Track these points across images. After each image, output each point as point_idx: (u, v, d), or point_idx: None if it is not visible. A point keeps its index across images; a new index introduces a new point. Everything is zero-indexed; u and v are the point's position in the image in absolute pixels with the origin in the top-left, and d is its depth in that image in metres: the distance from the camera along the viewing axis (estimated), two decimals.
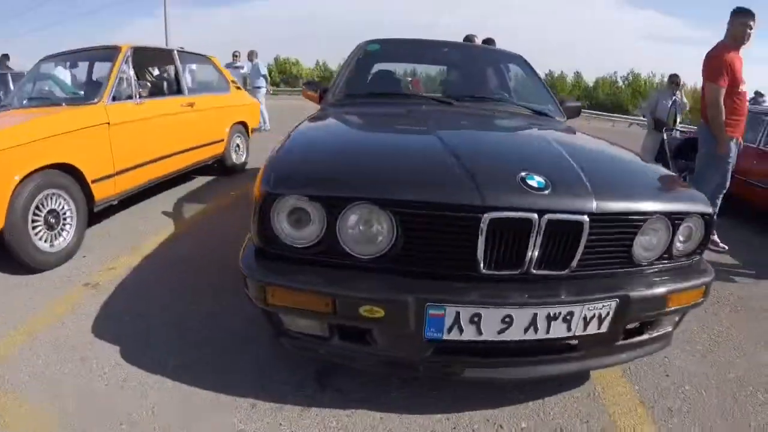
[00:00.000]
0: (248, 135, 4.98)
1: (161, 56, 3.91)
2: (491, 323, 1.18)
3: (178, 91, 3.72)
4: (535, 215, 1.17)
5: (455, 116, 2.14)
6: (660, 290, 1.35)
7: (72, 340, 1.83)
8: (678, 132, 5.43)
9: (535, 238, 1.19)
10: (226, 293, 2.22)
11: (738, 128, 3.03)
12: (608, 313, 1.27)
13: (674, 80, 5.67)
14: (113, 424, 1.39)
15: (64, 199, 2.56)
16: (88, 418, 1.41)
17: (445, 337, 1.19)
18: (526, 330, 1.20)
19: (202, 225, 3.30)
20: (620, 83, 30.04)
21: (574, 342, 1.35)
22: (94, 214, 2.88)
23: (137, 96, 3.13)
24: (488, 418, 1.48)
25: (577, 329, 1.25)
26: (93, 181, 2.74)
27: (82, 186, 2.67)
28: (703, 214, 1.42)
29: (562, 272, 1.25)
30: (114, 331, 1.91)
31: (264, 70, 8.14)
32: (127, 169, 3.04)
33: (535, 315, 1.19)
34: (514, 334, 1.20)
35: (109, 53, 3.15)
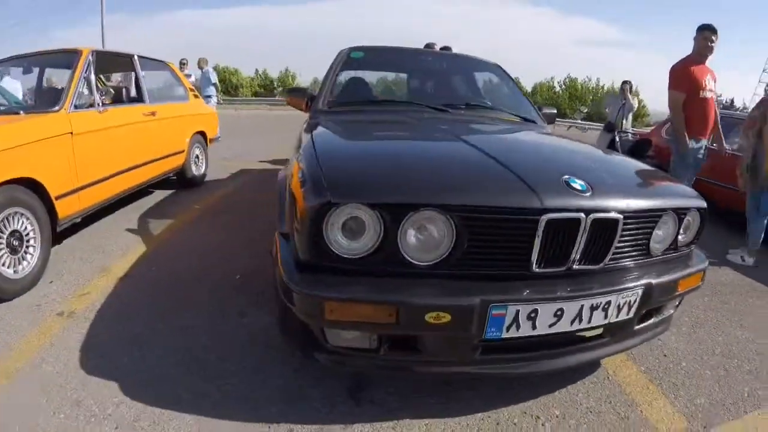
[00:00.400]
0: (207, 145, 4.84)
1: (121, 62, 3.73)
2: (545, 318, 1.28)
3: (140, 99, 3.57)
4: (583, 215, 1.29)
5: (463, 124, 2.24)
6: (673, 277, 1.52)
7: (59, 380, 1.66)
8: (630, 134, 5.92)
9: (581, 237, 1.30)
10: (214, 311, 2.18)
11: (702, 130, 3.47)
12: (636, 300, 1.41)
13: (624, 86, 6.20)
14: None
15: (27, 219, 2.37)
16: None
17: (504, 335, 1.26)
18: (572, 321, 1.32)
19: (172, 241, 3.18)
20: (557, 88, 31.76)
21: (599, 330, 1.47)
22: (56, 234, 2.70)
23: (100, 104, 2.97)
24: (524, 410, 1.58)
25: (612, 317, 1.38)
26: (57, 198, 2.56)
27: (45, 203, 2.49)
28: (699, 209, 1.62)
29: (597, 266, 1.38)
30: (104, 364, 1.76)
31: (214, 78, 7.92)
32: (92, 183, 2.88)
33: (582, 306, 1.31)
34: (563, 326, 1.31)
35: (68, 57, 2.98)
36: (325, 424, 1.47)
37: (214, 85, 7.80)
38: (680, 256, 1.65)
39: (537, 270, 1.30)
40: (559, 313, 1.28)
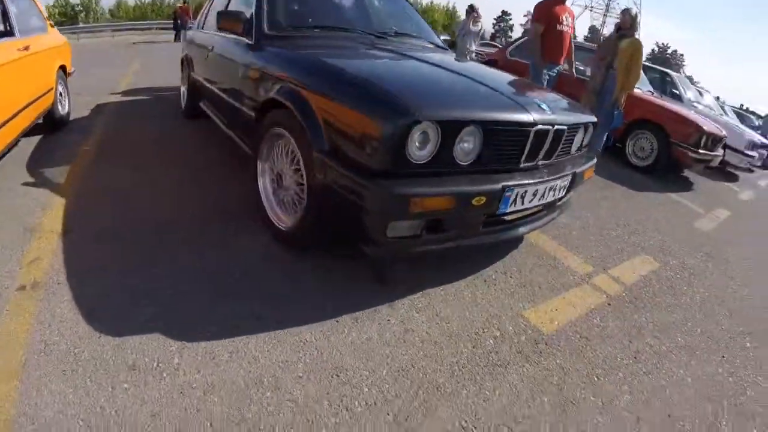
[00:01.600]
0: (66, 80, 4.46)
1: None
2: (529, 197, 1.99)
3: (10, 32, 3.18)
4: (551, 127, 2.00)
5: (417, 51, 2.79)
6: (584, 167, 2.38)
7: (87, 354, 1.58)
8: (473, 54, 7.02)
9: (547, 141, 2.02)
10: (199, 243, 2.34)
11: (556, 57, 4.68)
12: (567, 184, 2.21)
13: (468, 10, 7.15)
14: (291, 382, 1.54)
15: None
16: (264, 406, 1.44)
17: (508, 210, 1.94)
18: (540, 198, 2.06)
19: (87, 188, 3.07)
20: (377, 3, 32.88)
21: (540, 207, 2.22)
22: None
23: None
24: (495, 270, 2.39)
25: (556, 195, 2.17)
26: None
27: None
28: (593, 123, 2.45)
29: (549, 161, 2.13)
30: (126, 321, 1.74)
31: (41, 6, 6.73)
32: None
33: (546, 188, 2.05)
34: (534, 202, 2.05)
35: None
36: (377, 305, 1.96)
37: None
38: (582, 155, 2.51)
39: (522, 165, 2.00)
40: (535, 192, 2.01)
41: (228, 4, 3.53)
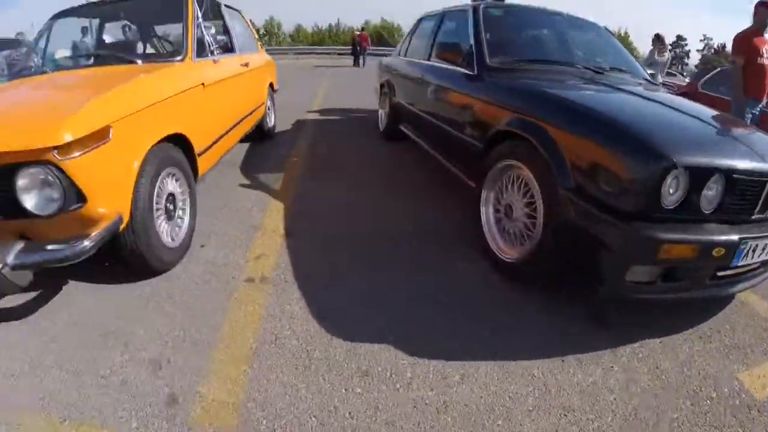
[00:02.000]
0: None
1: (211, 8, 3.71)
2: (759, 251, 1.80)
3: (232, 49, 3.64)
4: None
5: (635, 86, 2.64)
6: None
7: (318, 353, 1.67)
8: (662, 85, 6.42)
9: None
10: (409, 249, 2.41)
11: (758, 91, 4.25)
12: None
13: (654, 39, 6.60)
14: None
15: (177, 180, 2.32)
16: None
17: (739, 263, 1.77)
18: (767, 254, 1.83)
19: (300, 194, 3.35)
20: None
21: (758, 264, 1.97)
22: None
23: (214, 52, 3.06)
24: (710, 327, 2.12)
25: None
26: (199, 154, 2.57)
27: (189, 160, 2.44)
28: None
29: None
30: (358, 328, 1.82)
31: None
32: (219, 138, 3.02)
33: None
34: (762, 257, 1.83)
35: (166, 3, 3.00)
36: (599, 350, 1.87)
37: None
38: None
39: (754, 217, 1.82)
40: (765, 246, 1.80)
41: (436, 35, 3.69)
